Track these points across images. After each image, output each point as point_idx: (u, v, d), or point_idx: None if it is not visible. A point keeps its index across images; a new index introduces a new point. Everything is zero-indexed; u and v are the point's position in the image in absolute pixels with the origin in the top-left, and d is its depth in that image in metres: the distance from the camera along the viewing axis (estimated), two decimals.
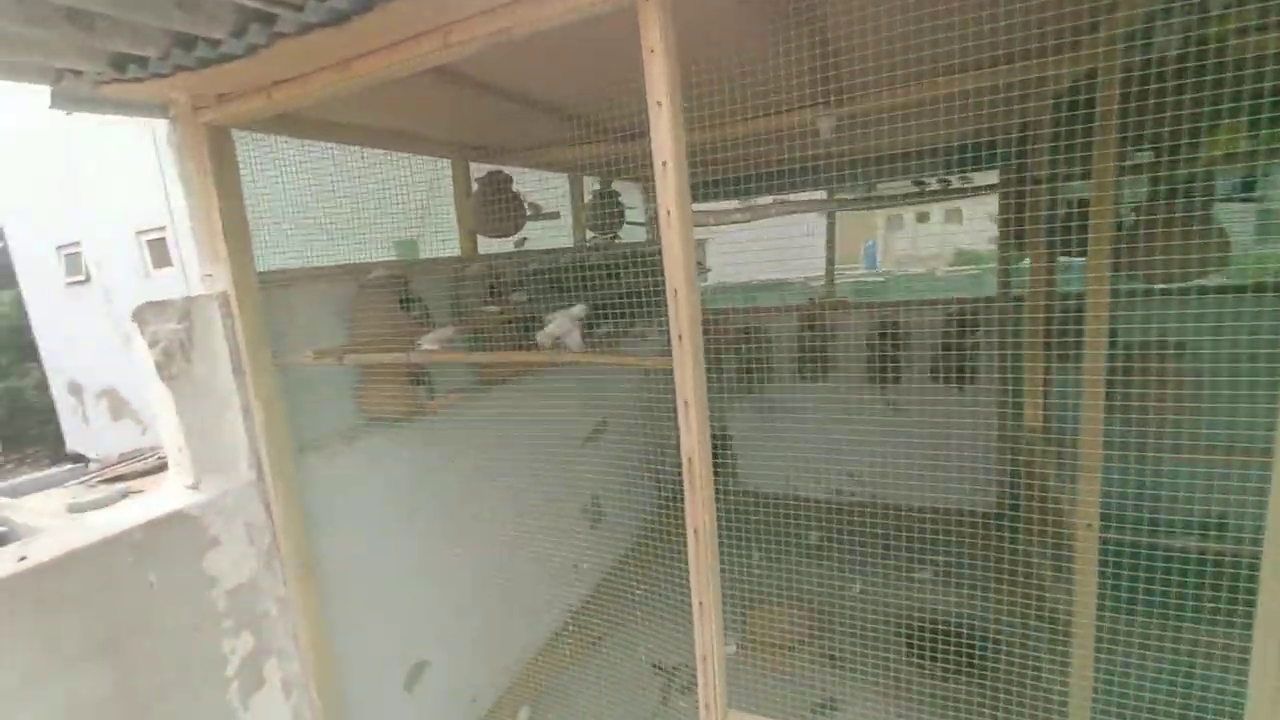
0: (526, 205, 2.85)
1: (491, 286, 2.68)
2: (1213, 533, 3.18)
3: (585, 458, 3.86)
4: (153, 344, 1.73)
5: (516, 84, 2.05)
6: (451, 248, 3.01)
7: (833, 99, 2.26)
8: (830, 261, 4.54)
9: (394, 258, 2.76)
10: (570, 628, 3.57)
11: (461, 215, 2.84)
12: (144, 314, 1.73)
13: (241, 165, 1.90)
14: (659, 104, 1.15)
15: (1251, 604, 1.12)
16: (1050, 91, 2.45)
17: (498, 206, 2.66)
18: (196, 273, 1.92)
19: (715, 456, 5.25)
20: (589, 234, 3.88)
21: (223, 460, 1.87)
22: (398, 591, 2.39)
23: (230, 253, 1.81)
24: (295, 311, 2.02)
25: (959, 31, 1.63)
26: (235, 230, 1.81)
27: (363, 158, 2.43)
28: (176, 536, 1.71)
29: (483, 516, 2.86)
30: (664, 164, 1.18)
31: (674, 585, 3.11)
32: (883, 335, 4.17)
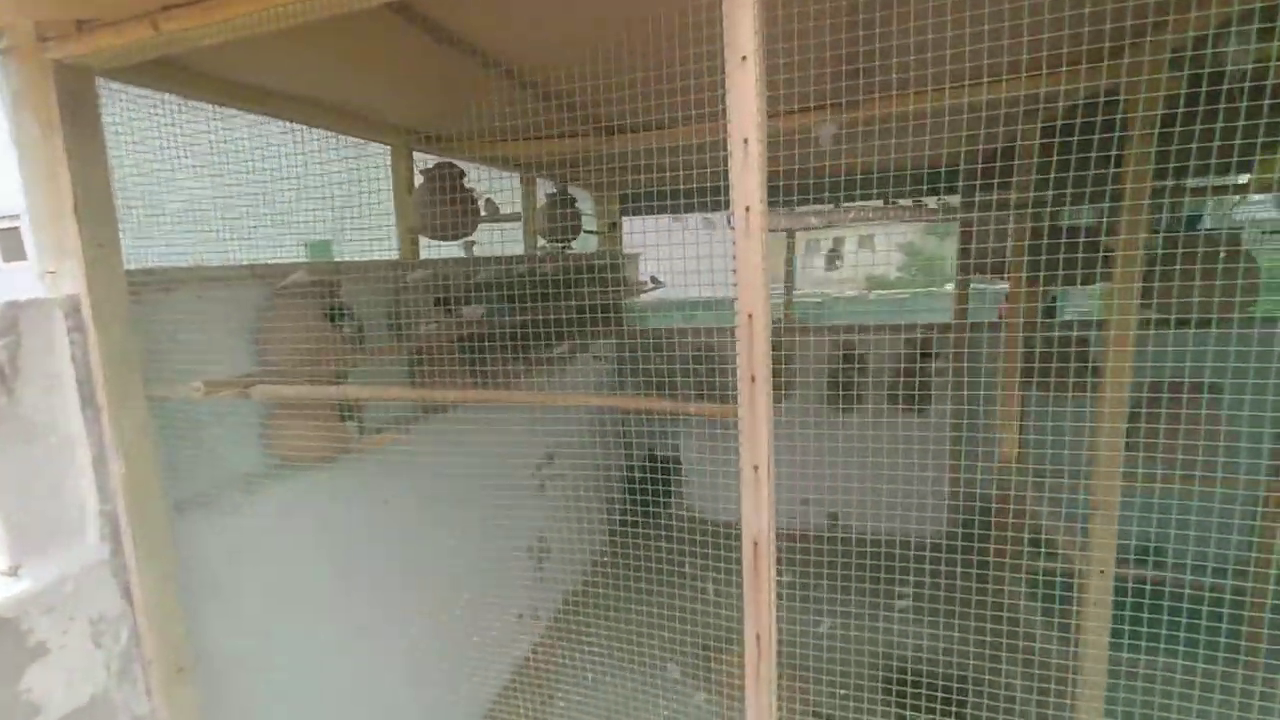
0: (481, 204, 2.43)
1: (439, 298, 2.24)
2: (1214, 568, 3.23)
3: (532, 493, 3.43)
4: None
5: (491, 38, 1.65)
6: (379, 252, 2.53)
7: (844, 102, 2.04)
8: (790, 281, 4.39)
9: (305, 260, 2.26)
10: (517, 684, 3.11)
11: (402, 211, 2.38)
12: None
13: (109, 128, 1.39)
14: (743, 59, 0.83)
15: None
16: (1044, 109, 2.36)
17: (448, 204, 2.24)
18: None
19: (661, 481, 4.96)
20: (539, 241, 3.49)
21: (60, 531, 1.32)
22: (312, 683, 1.88)
23: (84, 242, 1.29)
24: (179, 324, 1.51)
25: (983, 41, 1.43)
26: (94, 212, 1.30)
27: (281, 135, 1.93)
28: None
29: (421, 571, 2.38)
30: (744, 141, 0.86)
31: (625, 631, 2.76)
32: (846, 359, 4.05)
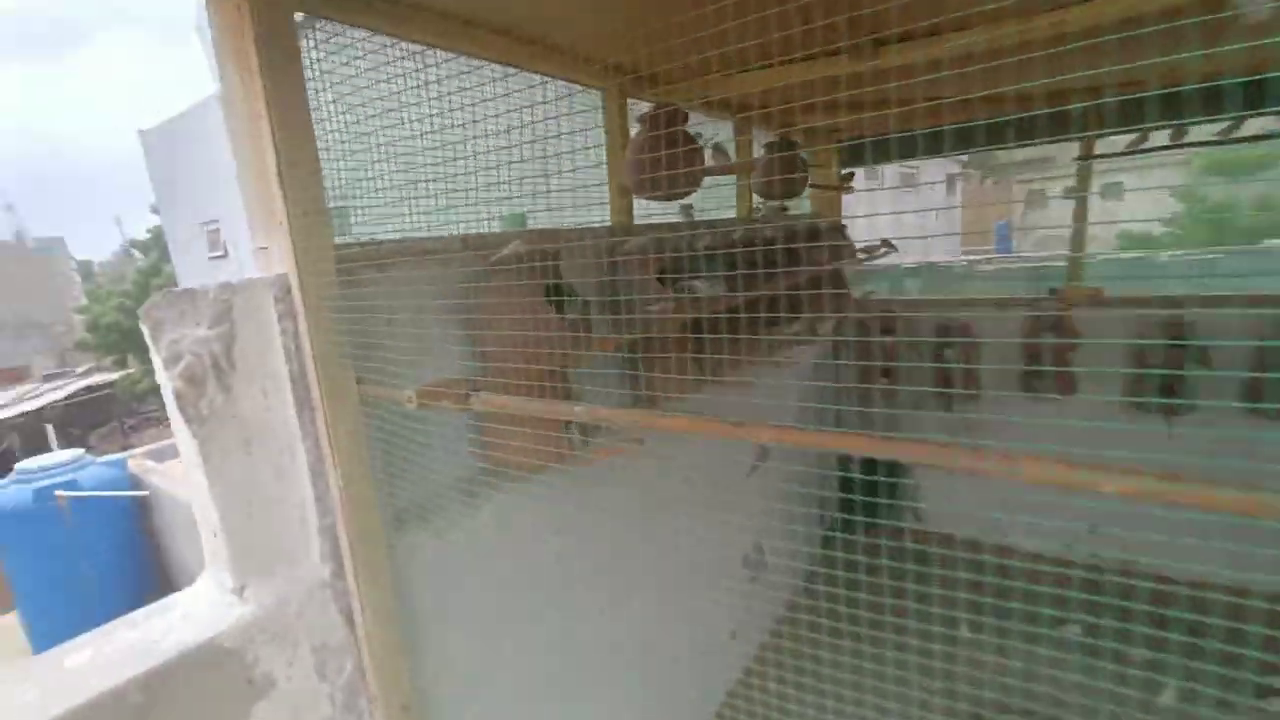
0: (708, 153, 1.99)
1: (662, 270, 1.86)
2: None
3: (748, 494, 3.00)
4: (170, 362, 1.03)
5: None
6: (585, 218, 2.23)
7: None
8: (1080, 238, 3.34)
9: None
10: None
11: (615, 168, 2.03)
12: (157, 312, 1.04)
13: (308, 75, 1.17)
14: None
15: None
16: None
17: (669, 156, 1.82)
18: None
19: (887, 483, 4.22)
20: (756, 200, 2.98)
21: (283, 548, 1.16)
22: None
23: (290, 209, 1.08)
24: (391, 308, 1.29)
25: None
26: (300, 174, 1.09)
27: (486, 83, 1.66)
28: (203, 685, 1.02)
29: (632, 589, 2.07)
30: None
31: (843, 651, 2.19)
32: (1172, 341, 2.96)
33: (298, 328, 1.13)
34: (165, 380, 1.04)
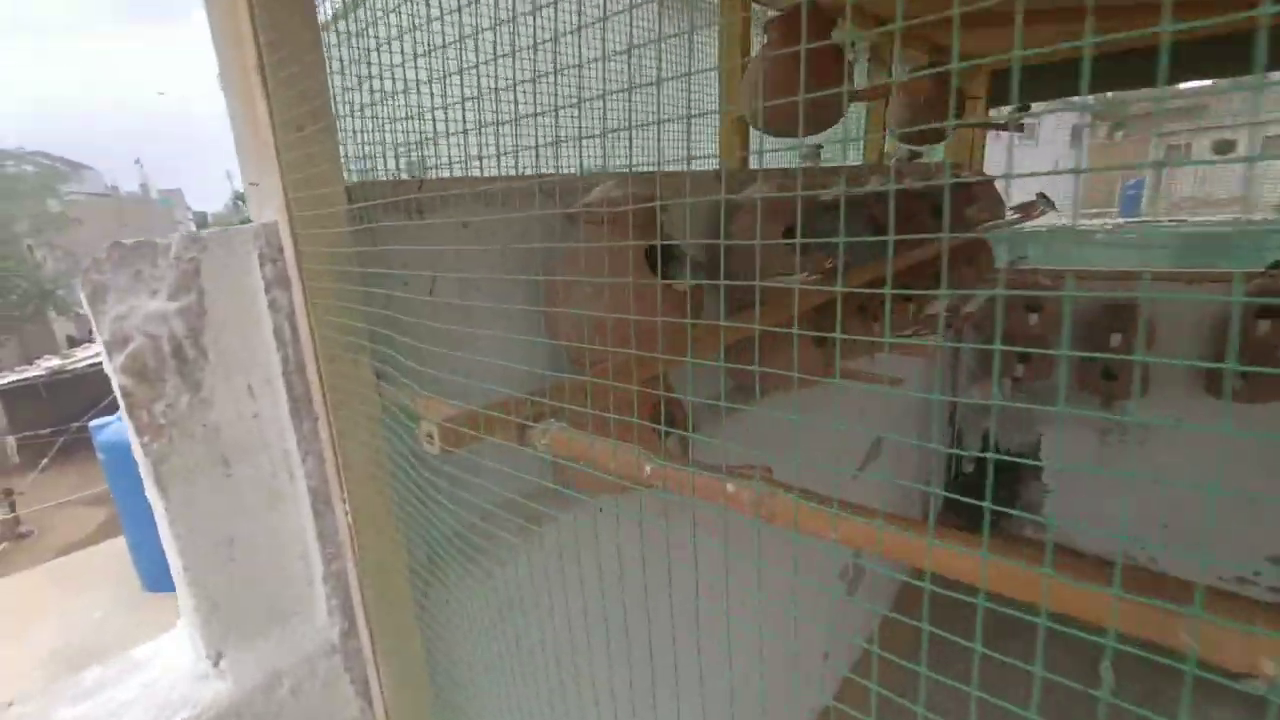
0: (861, 69, 1.48)
1: (788, 229, 1.40)
2: None
3: (854, 492, 2.55)
4: (114, 346, 0.71)
5: None
6: (679, 162, 1.78)
7: None
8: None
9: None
10: None
11: (729, 93, 1.56)
12: (97, 274, 0.71)
13: None
14: None
15: None
16: None
17: (814, 72, 1.34)
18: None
19: (1002, 487, 3.64)
20: (894, 147, 2.41)
21: (275, 603, 0.85)
22: None
23: (279, 123, 0.71)
24: (430, 275, 0.91)
25: None
26: (292, 65, 0.72)
27: None
28: None
29: (718, 617, 1.71)
30: None
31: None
32: None
33: (292, 300, 0.78)
34: (110, 373, 0.72)
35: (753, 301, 1.40)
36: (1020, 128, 2.45)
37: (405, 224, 0.85)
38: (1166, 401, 2.95)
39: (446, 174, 0.97)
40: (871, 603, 2.94)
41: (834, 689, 2.57)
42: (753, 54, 1.54)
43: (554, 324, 1.04)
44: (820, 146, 2.06)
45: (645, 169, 1.38)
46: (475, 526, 1.04)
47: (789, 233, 1.39)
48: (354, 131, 0.81)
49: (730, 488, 0.47)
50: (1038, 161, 15.87)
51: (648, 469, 0.52)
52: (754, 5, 1.53)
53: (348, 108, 0.78)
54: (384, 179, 0.86)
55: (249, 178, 0.80)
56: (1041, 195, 2.78)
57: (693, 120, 1.65)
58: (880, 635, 2.88)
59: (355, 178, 0.83)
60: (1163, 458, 3.06)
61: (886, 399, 2.77)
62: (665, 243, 1.05)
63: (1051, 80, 2.83)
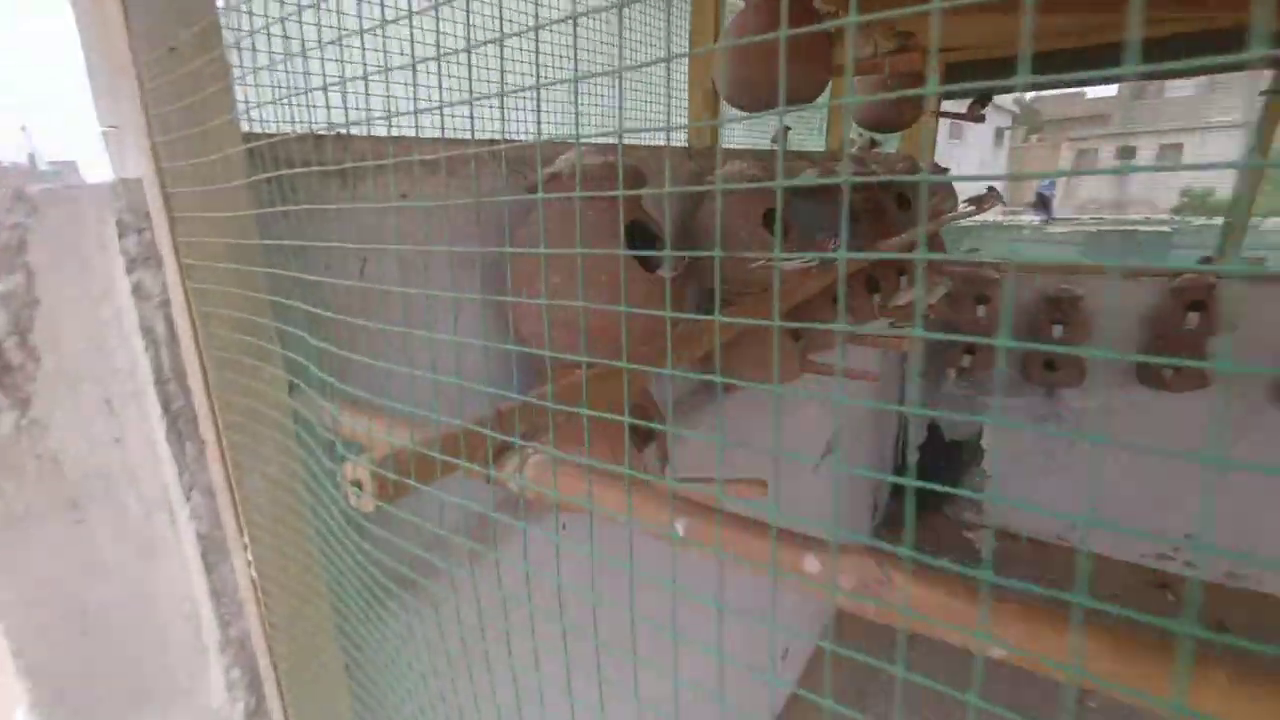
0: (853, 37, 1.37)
1: (768, 212, 1.27)
2: None
3: (811, 489, 2.50)
4: None
5: None
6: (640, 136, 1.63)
7: None
8: (1243, 202, 2.68)
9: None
10: None
11: (699, 64, 1.42)
12: None
13: None
14: None
15: None
16: None
17: (798, 43, 1.22)
18: None
19: (946, 468, 3.72)
20: (855, 133, 2.34)
21: (149, 682, 0.66)
22: None
23: (146, 55, 0.52)
24: (358, 253, 0.73)
25: None
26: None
27: None
28: None
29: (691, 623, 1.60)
30: None
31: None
32: None
33: (165, 284, 0.58)
34: None
35: (730, 294, 1.27)
36: (981, 118, 2.44)
37: (333, 192, 0.66)
38: (1101, 391, 3.06)
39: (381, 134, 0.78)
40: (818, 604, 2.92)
41: (790, 690, 2.53)
42: (724, 21, 1.40)
43: (520, 320, 0.87)
44: (789, 128, 1.96)
45: (602, 138, 1.22)
46: (419, 562, 0.86)
47: (768, 215, 1.27)
48: (252, 67, 0.61)
49: (812, 567, 0.33)
50: (966, 158, 16.62)
51: (680, 527, 0.38)
52: None
53: (243, 25, 0.58)
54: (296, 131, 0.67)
55: (105, 118, 0.60)
56: (992, 189, 2.80)
57: (656, 92, 1.50)
58: (835, 630, 2.87)
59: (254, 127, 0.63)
60: (1095, 448, 3.17)
61: (850, 389, 2.74)
62: (643, 221, 0.90)
63: (1000, 74, 2.85)
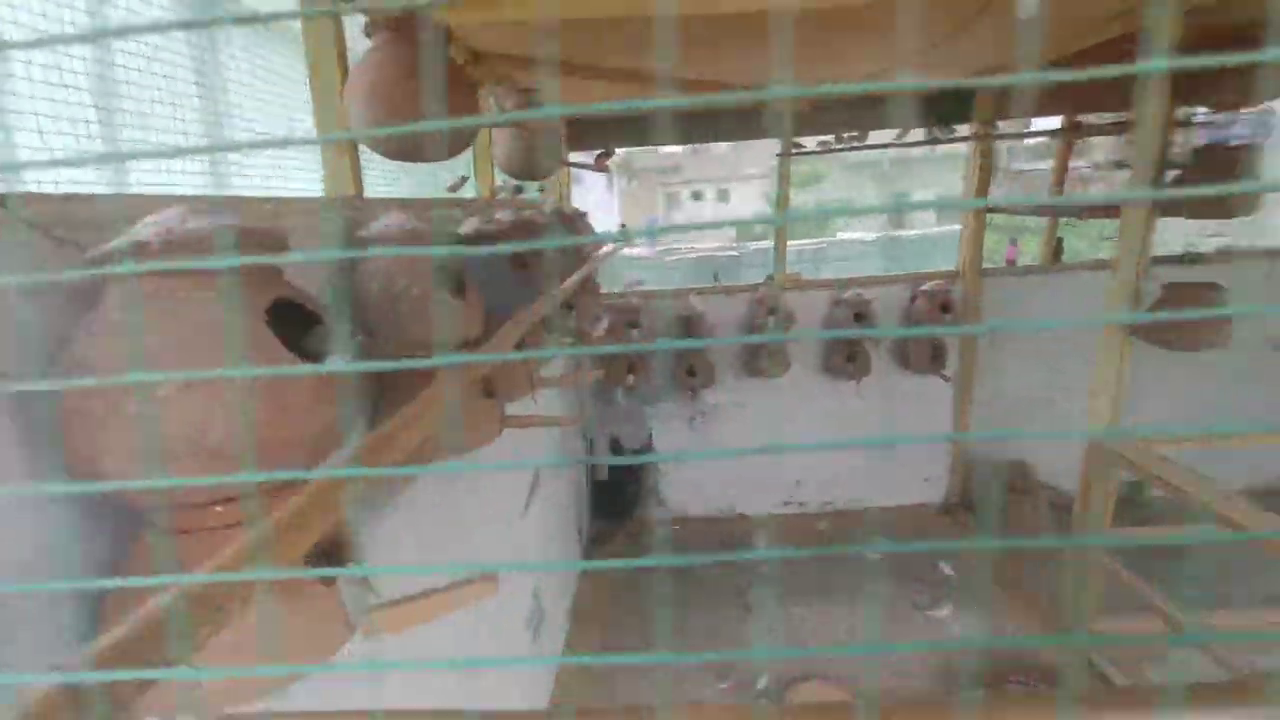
0: (498, 96, 1.35)
1: (443, 267, 1.18)
2: None
3: (524, 530, 2.46)
4: None
5: None
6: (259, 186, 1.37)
7: None
8: (779, 230, 3.68)
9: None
10: None
11: (328, 105, 1.24)
12: None
13: None
14: None
15: None
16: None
17: (431, 91, 1.15)
18: None
19: (631, 476, 4.14)
20: (500, 180, 2.40)
21: None
22: None
23: None
24: None
25: None
26: None
27: None
28: None
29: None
30: None
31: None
32: (856, 318, 3.48)
33: None
34: None
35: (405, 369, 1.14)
36: (605, 168, 2.78)
37: None
38: (726, 388, 3.82)
39: None
40: (557, 637, 2.92)
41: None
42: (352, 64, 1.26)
43: (92, 449, 0.59)
44: (466, 177, 1.89)
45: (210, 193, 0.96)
46: None
47: (436, 271, 1.18)
48: None
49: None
50: (586, 200, 19.02)
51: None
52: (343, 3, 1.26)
53: None
54: None
55: None
56: (623, 227, 3.23)
57: (278, 141, 1.27)
58: (567, 664, 2.88)
59: None
60: (728, 431, 3.94)
61: (551, 435, 2.79)
62: (290, 297, 0.72)
63: (615, 133, 3.33)
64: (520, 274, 1.57)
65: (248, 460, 0.60)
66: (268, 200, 0.88)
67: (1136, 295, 2.14)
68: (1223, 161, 2.09)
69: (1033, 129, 3.80)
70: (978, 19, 1.68)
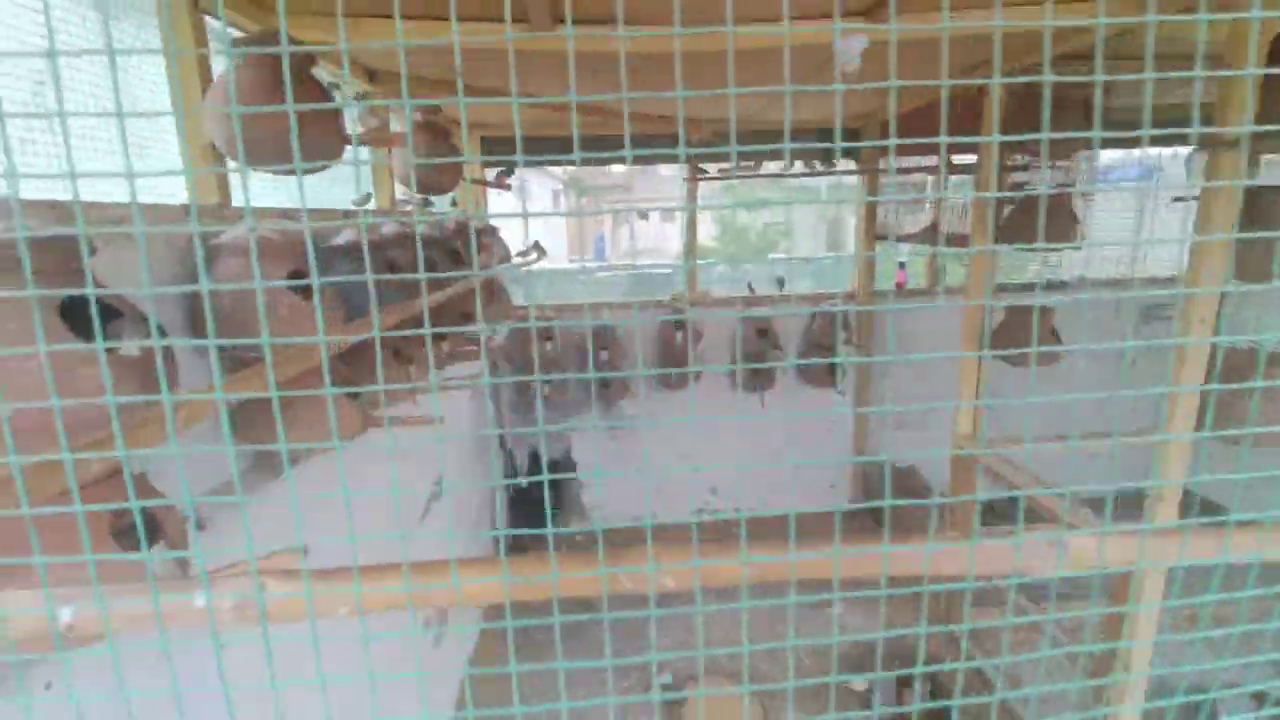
0: (353, 118, 1.43)
1: (294, 273, 1.24)
2: None
3: (422, 542, 2.48)
4: None
5: None
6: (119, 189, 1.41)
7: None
8: (689, 250, 3.85)
9: None
10: None
11: (190, 112, 1.29)
12: None
13: None
14: None
15: None
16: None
17: (297, 103, 1.23)
18: None
19: (553, 489, 4.19)
20: (402, 193, 2.46)
21: None
22: None
23: None
24: None
25: None
26: None
27: None
28: None
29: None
30: None
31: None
32: (759, 333, 3.67)
33: None
34: None
35: (254, 359, 1.19)
36: (507, 186, 2.87)
37: None
38: (642, 399, 3.94)
39: None
40: (463, 641, 2.93)
41: None
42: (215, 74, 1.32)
43: None
44: (370, 194, 1.94)
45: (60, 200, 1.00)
46: None
47: (295, 276, 1.24)
48: None
49: (199, 604, 0.37)
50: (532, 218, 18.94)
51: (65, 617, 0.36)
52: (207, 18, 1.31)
53: None
54: None
55: None
56: (536, 243, 3.33)
57: (135, 141, 1.31)
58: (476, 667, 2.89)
59: None
60: (648, 440, 4.05)
61: (442, 438, 2.81)
62: (95, 293, 0.78)
63: (532, 149, 3.43)
64: (394, 283, 1.64)
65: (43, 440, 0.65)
66: (95, 204, 0.93)
67: (984, 318, 2.38)
68: (1037, 203, 2.38)
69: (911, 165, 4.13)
70: (818, 74, 1.88)
